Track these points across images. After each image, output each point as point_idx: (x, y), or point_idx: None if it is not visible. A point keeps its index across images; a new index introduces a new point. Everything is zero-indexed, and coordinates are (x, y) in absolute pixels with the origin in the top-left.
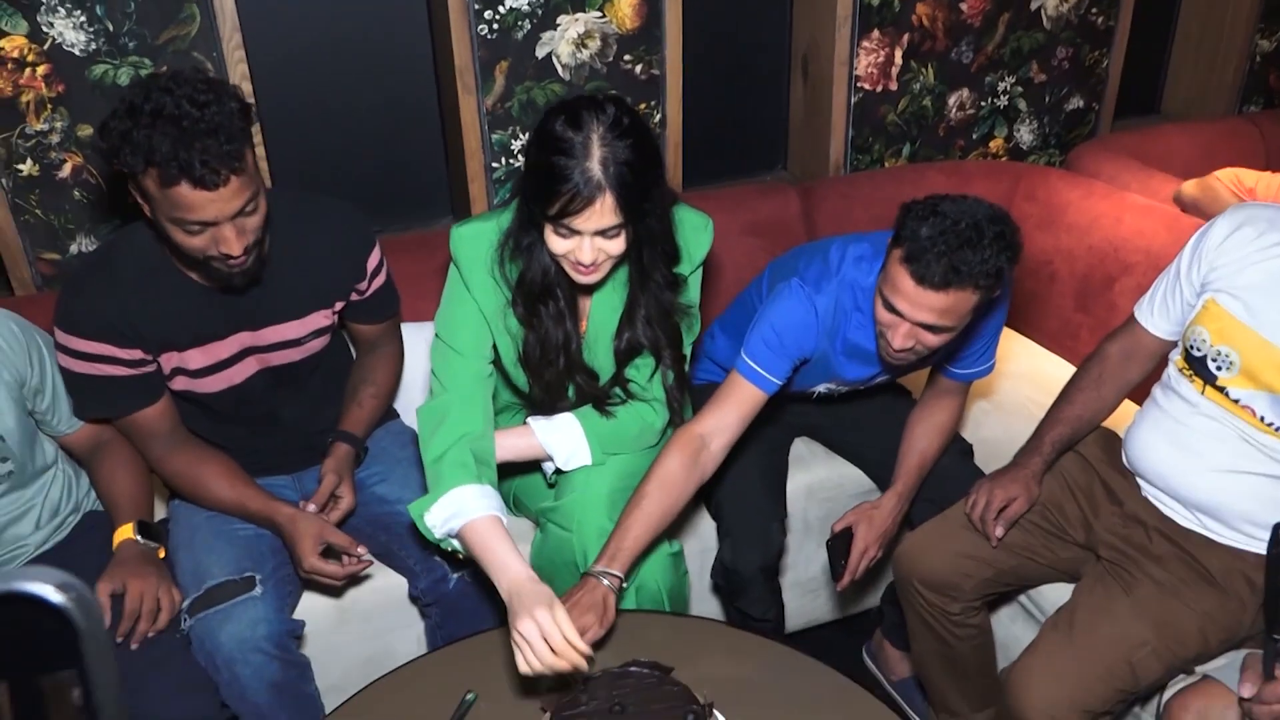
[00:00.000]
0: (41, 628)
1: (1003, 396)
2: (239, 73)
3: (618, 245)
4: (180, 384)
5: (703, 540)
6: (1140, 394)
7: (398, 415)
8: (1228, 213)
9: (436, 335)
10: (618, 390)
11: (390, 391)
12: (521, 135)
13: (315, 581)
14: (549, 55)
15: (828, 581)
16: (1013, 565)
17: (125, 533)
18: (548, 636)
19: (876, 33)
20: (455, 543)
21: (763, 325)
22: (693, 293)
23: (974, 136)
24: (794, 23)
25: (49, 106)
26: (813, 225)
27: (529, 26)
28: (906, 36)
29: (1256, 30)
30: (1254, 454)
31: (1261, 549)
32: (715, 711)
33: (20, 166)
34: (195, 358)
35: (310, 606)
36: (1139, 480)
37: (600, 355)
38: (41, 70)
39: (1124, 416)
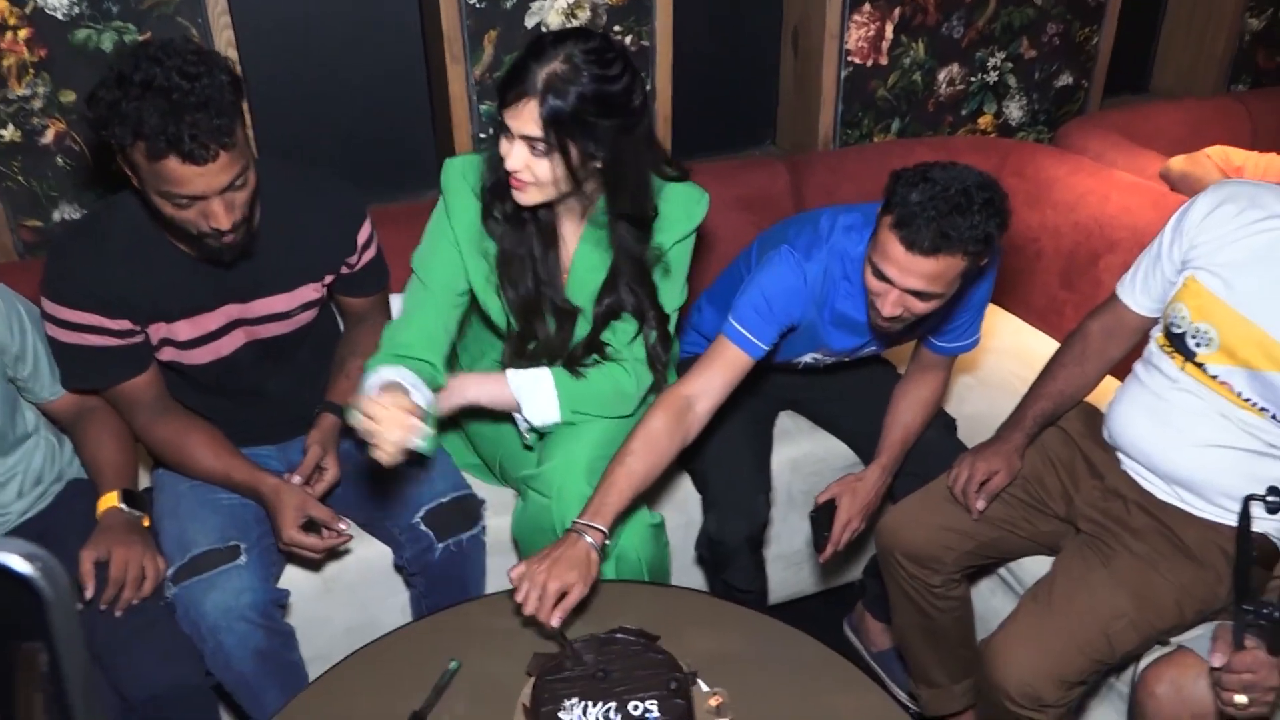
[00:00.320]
0: (9, 598)
1: (987, 372)
2: (224, 39)
3: (544, 169)
4: (167, 355)
5: (686, 513)
6: (1122, 370)
7: None
8: (1209, 190)
9: (412, 271)
10: (595, 356)
11: None
12: None
13: (294, 554)
14: (538, 25)
15: (811, 554)
16: (993, 538)
17: (110, 500)
18: (375, 417)
19: (868, 6)
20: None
21: (752, 290)
22: (681, 262)
23: (963, 112)
24: None
25: (31, 71)
26: (801, 199)
27: None
28: (898, 10)
29: (1246, 9)
30: (1232, 429)
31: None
32: (699, 680)
33: (2, 132)
34: (183, 329)
35: (295, 576)
36: (1119, 454)
37: (578, 301)
38: (23, 34)
39: (1106, 392)
